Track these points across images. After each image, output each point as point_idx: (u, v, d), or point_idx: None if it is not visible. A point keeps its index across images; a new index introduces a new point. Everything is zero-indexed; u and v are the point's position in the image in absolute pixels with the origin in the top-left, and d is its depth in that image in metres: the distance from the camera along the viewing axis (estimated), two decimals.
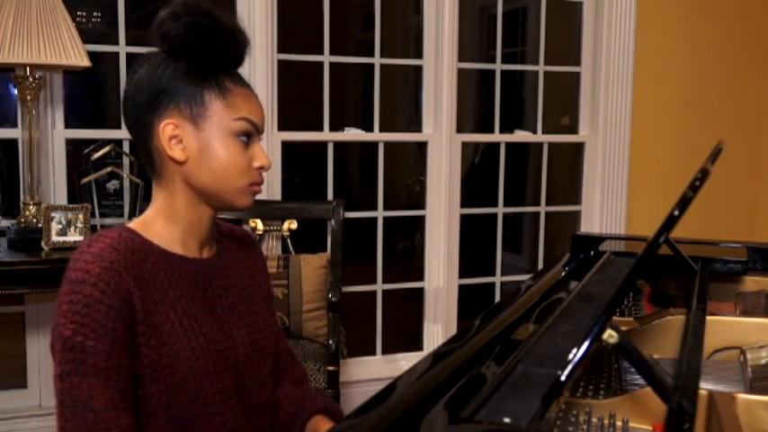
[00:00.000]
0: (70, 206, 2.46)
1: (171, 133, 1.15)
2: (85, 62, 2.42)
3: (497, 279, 3.53)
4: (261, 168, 1.20)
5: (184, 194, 1.19)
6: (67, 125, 2.73)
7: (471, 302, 3.83)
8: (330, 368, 2.51)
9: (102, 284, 1.06)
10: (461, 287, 3.38)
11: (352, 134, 3.21)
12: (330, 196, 3.12)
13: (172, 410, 1.11)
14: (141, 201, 2.68)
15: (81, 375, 1.04)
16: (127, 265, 1.09)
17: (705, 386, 1.10)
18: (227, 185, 1.17)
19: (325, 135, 3.12)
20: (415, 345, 3.41)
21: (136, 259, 1.11)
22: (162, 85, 1.15)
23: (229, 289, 1.25)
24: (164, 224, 1.19)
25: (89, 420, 1.03)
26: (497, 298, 3.56)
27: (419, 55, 3.23)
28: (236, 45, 1.18)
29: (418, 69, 3.27)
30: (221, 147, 1.16)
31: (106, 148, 2.66)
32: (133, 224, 1.19)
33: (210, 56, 1.15)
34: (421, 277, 3.34)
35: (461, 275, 3.37)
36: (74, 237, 2.42)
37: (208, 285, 1.21)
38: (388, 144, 3.28)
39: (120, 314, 1.07)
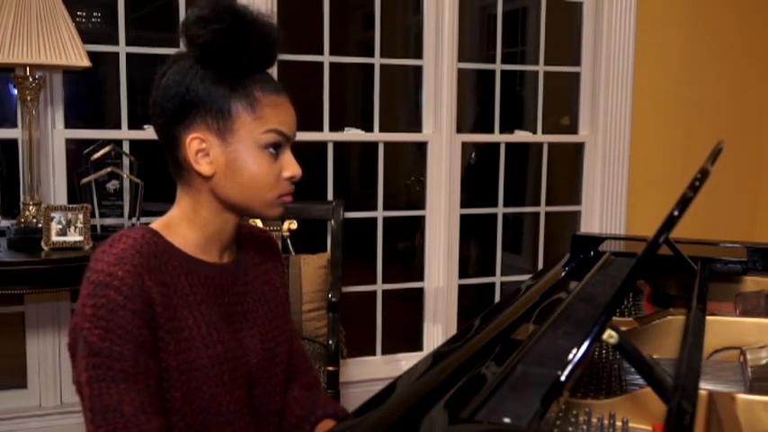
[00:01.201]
0: (70, 206, 2.46)
1: (197, 147, 1.13)
2: (85, 62, 2.42)
3: (497, 279, 3.53)
4: (291, 178, 1.17)
5: (210, 204, 1.17)
6: (67, 125, 2.73)
7: (471, 302, 3.83)
8: (330, 368, 2.51)
9: (125, 289, 1.04)
10: (461, 287, 3.38)
11: (352, 134, 3.21)
12: (330, 196, 3.12)
13: (186, 418, 1.11)
14: (141, 200, 2.68)
15: (109, 381, 1.03)
16: (149, 269, 1.07)
17: (705, 386, 1.10)
18: (256, 199, 1.15)
19: (325, 135, 3.12)
20: (415, 345, 3.41)
21: (158, 262, 1.10)
22: (189, 95, 1.12)
23: (245, 295, 1.24)
24: (187, 229, 1.18)
25: (120, 425, 1.02)
26: (497, 298, 3.56)
27: (419, 55, 3.23)
28: (269, 49, 1.14)
29: (418, 69, 3.26)
30: (249, 161, 1.13)
31: (106, 149, 2.65)
32: (156, 225, 1.17)
33: (241, 63, 1.12)
34: (421, 277, 3.34)
35: (461, 275, 3.37)
36: (74, 237, 2.42)
37: (225, 291, 1.20)
38: (388, 144, 3.28)
39: (144, 319, 1.06)
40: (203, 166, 1.14)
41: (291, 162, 1.17)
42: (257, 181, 1.14)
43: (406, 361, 3.27)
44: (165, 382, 1.09)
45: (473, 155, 4.39)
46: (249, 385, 1.20)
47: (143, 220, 2.68)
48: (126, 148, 2.79)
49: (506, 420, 0.88)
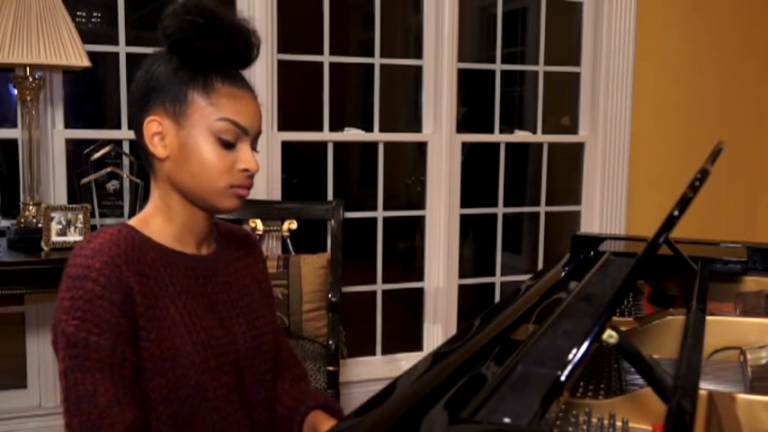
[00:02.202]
0: (70, 206, 2.46)
1: (154, 130, 1.16)
2: (85, 62, 2.42)
3: (497, 279, 3.53)
4: (246, 171, 1.17)
5: (175, 193, 1.19)
6: (67, 125, 2.73)
7: (471, 302, 3.83)
8: (330, 368, 2.50)
9: (103, 279, 1.06)
10: (461, 287, 3.38)
11: (352, 134, 3.21)
12: (330, 196, 3.12)
13: (173, 405, 1.12)
14: (141, 201, 2.68)
15: (85, 371, 1.05)
16: (127, 260, 1.09)
17: (705, 386, 1.10)
18: (206, 186, 1.16)
19: (325, 135, 3.12)
20: (415, 345, 3.41)
21: (136, 254, 1.12)
22: (152, 82, 1.16)
23: (229, 285, 1.26)
24: (161, 221, 1.20)
25: (93, 415, 1.03)
26: (497, 298, 3.56)
27: (419, 55, 3.23)
28: (235, 46, 1.17)
29: (418, 69, 3.27)
30: (201, 145, 1.14)
31: (106, 149, 2.65)
32: (132, 221, 1.20)
33: (204, 55, 1.14)
34: (421, 277, 3.34)
35: (461, 275, 3.37)
36: (73, 237, 2.42)
37: (208, 281, 1.22)
38: (388, 144, 3.28)
39: (123, 309, 1.07)
40: (158, 149, 1.16)
41: (248, 155, 1.17)
42: (207, 167, 1.15)
43: (406, 361, 3.27)
44: (149, 370, 1.10)
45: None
46: (238, 373, 1.21)
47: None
48: (126, 148, 2.79)
49: (506, 420, 0.88)
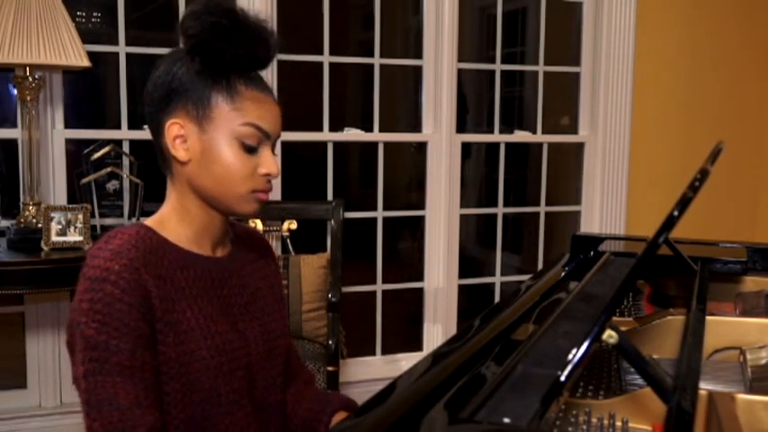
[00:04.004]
0: (70, 206, 2.46)
1: (176, 133, 1.15)
2: (85, 62, 2.42)
3: (497, 279, 3.53)
4: (267, 175, 1.17)
5: (194, 198, 1.18)
6: (67, 125, 2.73)
7: (471, 302, 3.83)
8: (330, 368, 2.50)
9: (122, 283, 1.06)
10: (461, 287, 3.37)
11: (352, 134, 3.21)
12: (330, 196, 3.12)
13: (186, 409, 1.12)
14: (141, 201, 2.68)
15: (105, 374, 1.04)
16: (145, 263, 1.09)
17: (705, 386, 1.10)
18: (229, 191, 1.16)
19: (325, 135, 3.12)
20: (415, 345, 3.41)
21: (154, 257, 1.11)
22: (174, 83, 1.14)
23: (244, 288, 1.25)
24: (178, 224, 1.19)
25: (115, 419, 1.03)
26: (497, 298, 3.56)
27: (419, 55, 3.23)
28: (257, 48, 1.15)
29: (418, 69, 3.27)
30: (224, 151, 1.14)
31: (106, 149, 2.65)
32: (149, 221, 1.19)
33: (226, 57, 1.13)
34: (421, 277, 3.34)
35: (461, 275, 3.37)
36: (73, 237, 2.42)
37: (223, 284, 1.22)
38: (387, 144, 3.28)
39: (141, 312, 1.07)
40: (180, 152, 1.15)
41: (269, 160, 1.17)
42: (230, 172, 1.14)
43: (406, 361, 3.27)
44: (165, 374, 1.10)
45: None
46: (251, 376, 1.21)
47: (142, 220, 2.68)
48: (126, 148, 2.79)
49: (506, 420, 0.88)
